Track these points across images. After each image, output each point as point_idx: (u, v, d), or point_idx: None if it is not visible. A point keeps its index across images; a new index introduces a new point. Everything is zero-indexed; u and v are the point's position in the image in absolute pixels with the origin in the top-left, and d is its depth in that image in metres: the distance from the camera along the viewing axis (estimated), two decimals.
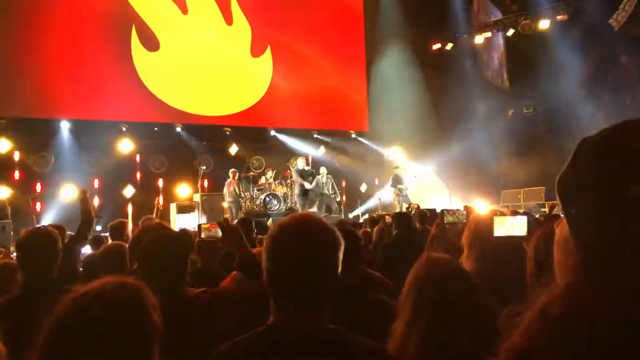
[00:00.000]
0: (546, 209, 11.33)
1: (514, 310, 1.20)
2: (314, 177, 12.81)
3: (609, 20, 12.82)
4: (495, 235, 2.33)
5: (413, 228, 4.42)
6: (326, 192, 12.95)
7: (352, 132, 16.74)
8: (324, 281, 1.45)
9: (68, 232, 4.71)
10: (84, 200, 3.73)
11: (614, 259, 0.63)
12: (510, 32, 15.81)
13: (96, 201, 12.09)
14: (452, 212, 8.18)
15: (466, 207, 7.89)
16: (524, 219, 2.47)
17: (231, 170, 12.99)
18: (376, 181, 16.02)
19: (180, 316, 1.96)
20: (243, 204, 13.08)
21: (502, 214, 2.59)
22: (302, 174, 12.74)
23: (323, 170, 13.21)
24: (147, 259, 2.16)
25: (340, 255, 1.48)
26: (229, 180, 12.84)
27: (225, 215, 11.44)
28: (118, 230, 4.62)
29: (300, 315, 1.43)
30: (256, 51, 15.24)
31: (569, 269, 0.70)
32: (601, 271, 0.65)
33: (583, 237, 0.66)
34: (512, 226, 2.40)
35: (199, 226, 2.65)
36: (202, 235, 2.59)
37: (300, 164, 12.92)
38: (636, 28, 12.42)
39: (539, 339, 0.69)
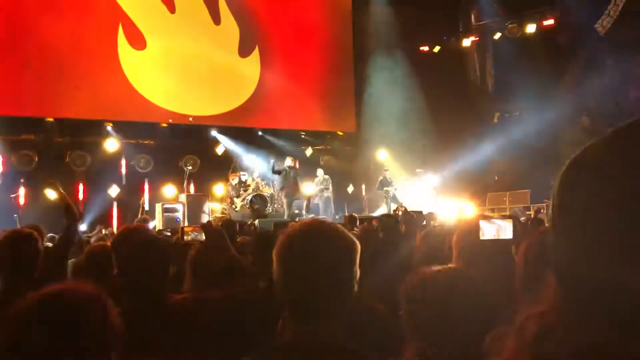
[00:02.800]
0: (531, 212, 11.41)
1: (500, 331, 1.18)
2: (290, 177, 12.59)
3: (595, 25, 12.95)
4: (481, 238, 2.33)
5: (399, 229, 4.41)
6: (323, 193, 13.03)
7: (339, 133, 16.74)
8: (341, 292, 1.36)
9: (49, 235, 4.62)
10: (60, 195, 3.62)
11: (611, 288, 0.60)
12: (497, 35, 15.92)
13: (80, 196, 11.97)
14: (438, 213, 8.23)
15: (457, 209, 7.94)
16: (510, 222, 2.47)
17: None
18: (363, 185, 16.04)
19: (162, 322, 1.93)
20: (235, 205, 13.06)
21: (488, 217, 2.59)
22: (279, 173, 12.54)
23: (320, 171, 13.30)
24: (128, 265, 2.12)
25: (358, 261, 1.39)
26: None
27: (209, 218, 11.37)
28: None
29: (318, 331, 1.34)
30: (244, 51, 15.19)
31: (547, 287, 0.68)
32: (587, 300, 0.62)
33: (577, 261, 0.63)
34: (499, 230, 2.40)
35: (182, 229, 2.61)
36: (185, 238, 2.55)
37: (287, 162, 12.81)
38: (621, 33, 12.55)
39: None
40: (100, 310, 1.33)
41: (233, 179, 13.00)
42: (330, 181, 13.46)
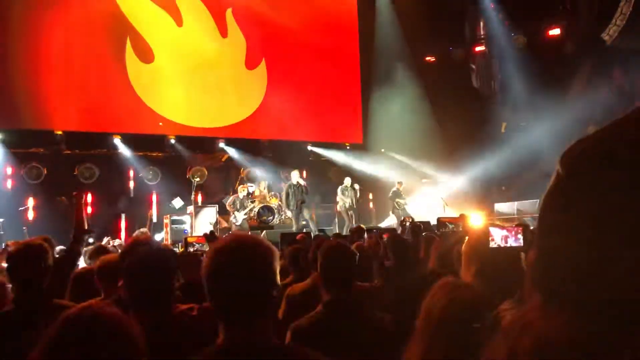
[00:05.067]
0: None
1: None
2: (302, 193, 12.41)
3: (602, 35, 12.94)
4: (491, 246, 2.32)
5: (406, 247, 4.37)
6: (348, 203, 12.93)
7: (346, 144, 16.76)
8: (261, 295, 1.49)
9: (59, 247, 4.63)
10: (79, 208, 3.65)
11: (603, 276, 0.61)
12: (504, 45, 15.91)
13: (89, 210, 12.02)
14: (447, 221, 8.21)
15: (462, 216, 7.91)
16: (520, 230, 2.47)
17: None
18: (370, 195, 16.01)
19: (167, 333, 1.93)
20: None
21: (499, 225, 2.58)
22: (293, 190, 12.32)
23: (347, 180, 13.22)
24: (132, 276, 2.12)
25: (277, 266, 1.53)
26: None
27: (212, 229, 11.36)
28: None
29: (244, 332, 1.46)
30: (251, 64, 15.28)
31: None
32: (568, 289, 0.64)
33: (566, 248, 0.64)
34: (509, 238, 2.39)
35: (185, 239, 2.62)
36: (189, 249, 2.56)
37: (294, 177, 12.66)
38: (628, 42, 12.53)
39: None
40: (129, 333, 1.36)
41: (242, 191, 12.94)
42: (357, 191, 13.22)
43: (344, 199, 13.06)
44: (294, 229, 11.69)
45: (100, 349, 1.29)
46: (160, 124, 13.98)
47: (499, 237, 2.39)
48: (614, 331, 0.58)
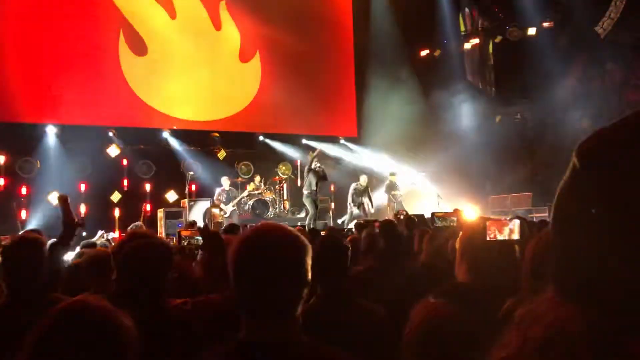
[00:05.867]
0: (533, 215, 11.39)
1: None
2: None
3: (595, 28, 12.96)
4: (488, 239, 2.32)
5: (399, 235, 4.41)
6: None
7: (341, 137, 16.74)
8: (291, 290, 1.42)
9: (51, 240, 4.61)
10: (65, 207, 3.65)
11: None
12: (498, 38, 15.93)
13: (82, 208, 11.97)
14: (442, 216, 8.22)
15: (456, 210, 7.94)
16: (517, 222, 2.47)
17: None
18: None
19: (160, 328, 1.93)
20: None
21: (495, 218, 2.59)
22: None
23: (363, 178, 13.29)
24: (126, 270, 2.12)
25: (309, 261, 1.46)
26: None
27: (205, 222, 11.34)
28: None
29: (270, 327, 1.40)
30: (245, 56, 15.22)
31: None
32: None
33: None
34: (506, 230, 2.39)
35: (179, 233, 2.61)
36: (183, 243, 2.55)
37: (362, 180, 13.18)
38: (621, 35, 12.56)
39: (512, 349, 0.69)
40: (119, 326, 1.35)
41: (225, 182, 12.92)
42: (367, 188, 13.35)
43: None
44: (310, 217, 11.98)
45: (92, 341, 1.29)
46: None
47: (495, 230, 2.40)
48: (625, 323, 0.59)
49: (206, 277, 2.87)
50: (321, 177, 12.18)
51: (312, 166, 12.08)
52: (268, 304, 1.41)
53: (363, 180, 13.26)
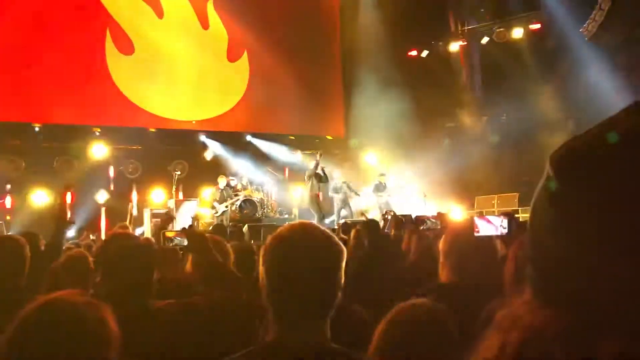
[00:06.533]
0: (519, 216, 11.46)
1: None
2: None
3: (580, 30, 13.07)
4: (477, 235, 2.34)
5: (384, 235, 4.42)
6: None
7: (328, 137, 16.75)
8: (328, 296, 1.39)
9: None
10: (63, 200, 3.61)
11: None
12: (485, 40, 16.02)
13: (68, 204, 11.85)
14: (426, 219, 8.25)
15: (439, 214, 7.94)
16: (506, 219, 2.49)
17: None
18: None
19: (145, 330, 1.92)
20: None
21: (484, 215, 2.60)
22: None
23: (337, 174, 13.24)
24: (111, 271, 2.10)
25: (343, 264, 1.42)
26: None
27: (192, 223, 11.29)
28: None
29: (302, 332, 1.36)
30: (232, 56, 15.17)
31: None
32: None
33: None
34: (495, 226, 2.41)
35: (163, 234, 2.58)
36: (167, 244, 2.53)
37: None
38: (606, 38, 12.67)
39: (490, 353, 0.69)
40: (98, 319, 1.33)
41: (221, 180, 12.86)
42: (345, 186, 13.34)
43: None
44: (317, 217, 12.00)
45: (68, 335, 1.28)
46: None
47: (484, 227, 2.41)
48: (600, 327, 0.59)
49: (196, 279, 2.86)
50: (322, 178, 12.32)
51: (316, 170, 12.32)
52: (302, 307, 1.36)
53: (338, 178, 13.22)
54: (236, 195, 13.02)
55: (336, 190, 13.12)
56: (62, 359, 1.25)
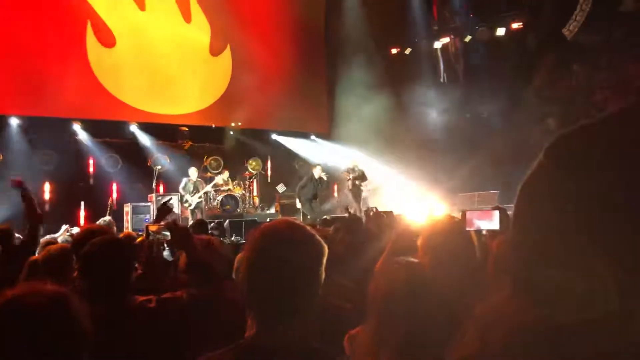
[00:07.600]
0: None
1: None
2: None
3: (562, 30, 13.20)
4: (467, 229, 2.35)
5: (364, 230, 4.42)
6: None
7: (312, 133, 16.73)
8: (309, 293, 1.39)
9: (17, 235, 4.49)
10: (28, 204, 3.53)
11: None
12: (468, 38, 16.12)
13: (47, 195, 11.71)
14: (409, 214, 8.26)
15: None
16: (497, 213, 2.50)
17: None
18: (335, 186, 16.06)
19: (124, 325, 1.90)
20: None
21: (475, 209, 2.62)
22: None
23: (318, 169, 13.23)
24: (87, 267, 2.08)
25: (324, 261, 1.42)
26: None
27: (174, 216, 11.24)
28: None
29: (282, 329, 1.35)
30: (215, 50, 15.07)
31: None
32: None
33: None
34: (485, 221, 2.42)
35: (147, 227, 2.56)
36: (150, 238, 2.51)
37: (316, 172, 13.07)
38: (587, 38, 12.82)
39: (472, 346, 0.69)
40: (64, 310, 1.31)
41: (193, 174, 12.76)
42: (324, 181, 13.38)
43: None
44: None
45: (39, 327, 1.26)
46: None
47: (474, 220, 2.42)
48: (584, 324, 0.59)
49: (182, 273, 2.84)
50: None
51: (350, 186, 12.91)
52: (283, 303, 1.35)
53: (317, 172, 13.19)
54: (218, 191, 12.96)
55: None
56: (25, 354, 1.23)
